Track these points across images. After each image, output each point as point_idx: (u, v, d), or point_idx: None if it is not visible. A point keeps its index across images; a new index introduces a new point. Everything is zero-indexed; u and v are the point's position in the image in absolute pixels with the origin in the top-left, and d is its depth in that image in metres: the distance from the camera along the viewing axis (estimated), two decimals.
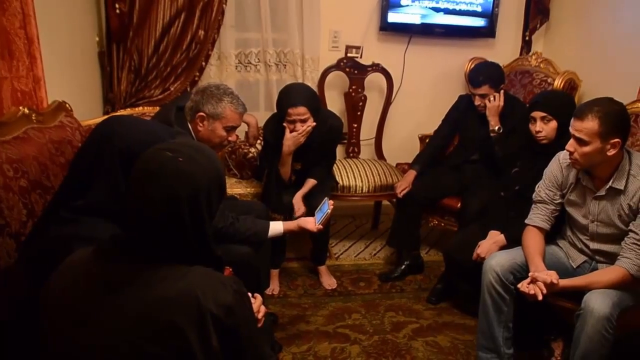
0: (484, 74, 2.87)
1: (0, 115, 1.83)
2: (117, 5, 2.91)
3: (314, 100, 2.70)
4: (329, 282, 3.00)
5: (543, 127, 2.34)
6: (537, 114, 2.34)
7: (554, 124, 2.31)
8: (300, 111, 2.61)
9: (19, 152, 1.67)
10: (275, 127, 2.74)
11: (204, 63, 3.24)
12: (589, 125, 1.88)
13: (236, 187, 3.04)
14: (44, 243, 1.45)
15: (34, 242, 1.49)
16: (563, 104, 2.34)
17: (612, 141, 1.89)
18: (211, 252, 1.18)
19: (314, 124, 2.64)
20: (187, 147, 1.15)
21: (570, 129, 1.95)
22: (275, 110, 2.78)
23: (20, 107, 1.85)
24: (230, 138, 2.20)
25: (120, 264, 1.09)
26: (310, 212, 2.89)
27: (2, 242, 1.44)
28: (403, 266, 3.11)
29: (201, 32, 3.13)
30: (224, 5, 3.16)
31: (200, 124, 2.15)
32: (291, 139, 2.64)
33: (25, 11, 1.91)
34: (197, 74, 3.25)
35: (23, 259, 1.47)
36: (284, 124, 2.65)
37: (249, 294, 1.73)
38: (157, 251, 1.09)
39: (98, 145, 1.45)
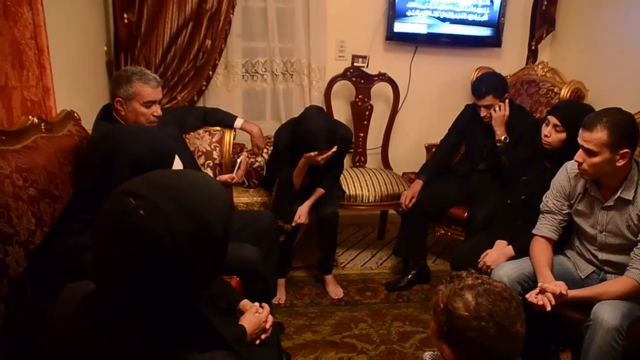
0: (487, 85, 2.87)
1: (10, 124, 1.84)
2: (125, 15, 2.93)
3: (334, 137, 2.68)
4: (335, 291, 2.99)
5: (552, 134, 2.34)
6: (552, 120, 2.33)
7: (563, 135, 2.31)
8: (326, 151, 2.63)
9: (28, 161, 1.68)
10: (287, 139, 2.75)
11: (211, 72, 3.26)
12: (597, 135, 1.88)
13: (243, 196, 3.04)
14: (52, 253, 1.46)
15: (42, 252, 1.49)
16: (580, 120, 2.07)
17: (622, 152, 1.88)
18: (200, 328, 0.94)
19: (335, 148, 2.65)
20: (156, 190, 0.89)
21: (579, 140, 1.94)
22: (283, 121, 2.79)
23: (30, 116, 1.86)
24: (154, 113, 2.21)
25: (98, 331, 0.91)
26: (314, 223, 2.90)
27: (11, 251, 1.44)
28: (410, 276, 3.10)
29: (208, 42, 3.15)
30: (231, 15, 3.18)
31: (121, 109, 2.18)
32: (310, 159, 2.64)
33: (36, 22, 1.93)
34: (204, 83, 3.27)
35: (32, 269, 1.47)
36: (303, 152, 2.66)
37: (257, 304, 1.74)
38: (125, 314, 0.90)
39: (105, 158, 1.45)
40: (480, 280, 1.26)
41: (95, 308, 0.93)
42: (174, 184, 0.91)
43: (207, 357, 0.90)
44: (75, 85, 2.57)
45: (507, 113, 2.83)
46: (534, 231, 2.21)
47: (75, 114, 2.24)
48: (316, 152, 2.59)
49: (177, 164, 2.33)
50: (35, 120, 1.87)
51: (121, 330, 0.89)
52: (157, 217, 0.84)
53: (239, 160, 2.60)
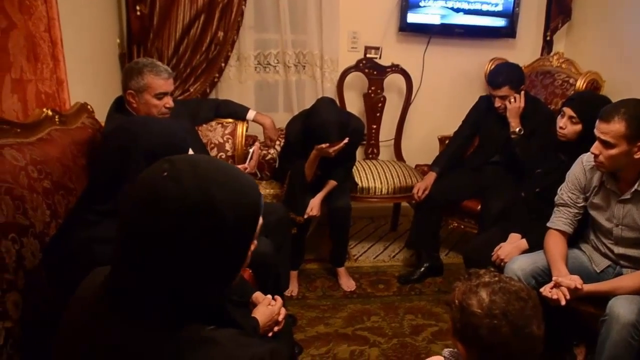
0: (503, 75, 2.83)
1: (25, 117, 1.85)
2: (137, 8, 2.94)
3: (346, 129, 2.67)
4: (347, 284, 2.99)
5: (567, 125, 2.31)
6: (568, 111, 2.30)
7: (578, 127, 2.28)
8: (338, 143, 2.62)
9: (42, 154, 1.69)
10: (299, 131, 2.75)
11: (223, 64, 3.26)
12: (615, 127, 1.85)
13: None
14: (66, 245, 1.47)
15: (56, 244, 1.50)
16: (596, 112, 2.02)
17: (639, 144, 1.85)
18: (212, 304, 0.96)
19: (347, 140, 2.65)
20: (190, 165, 0.93)
21: (596, 132, 1.91)
22: (296, 113, 2.79)
23: (44, 109, 1.87)
24: (166, 105, 2.22)
25: (120, 317, 0.92)
26: (326, 216, 2.90)
27: (27, 243, 1.45)
28: (422, 268, 3.09)
29: (220, 34, 3.14)
30: (244, 7, 3.17)
31: (133, 101, 2.19)
32: (322, 151, 2.64)
33: (50, 15, 1.94)
34: (217, 75, 3.27)
35: (46, 261, 1.48)
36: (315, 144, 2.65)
37: (269, 296, 1.75)
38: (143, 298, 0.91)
39: (121, 150, 1.45)
40: (497, 279, 1.24)
41: (109, 288, 0.95)
42: (205, 165, 0.95)
43: (227, 336, 0.92)
44: (89, 78, 2.58)
45: (522, 105, 2.80)
46: (548, 224, 2.19)
47: (89, 106, 2.25)
48: (327, 144, 2.59)
49: None
50: (50, 112, 1.88)
51: (141, 310, 0.91)
52: (175, 183, 0.88)
53: (251, 151, 2.60)
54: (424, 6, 3.46)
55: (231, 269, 0.98)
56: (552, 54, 3.48)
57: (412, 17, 3.47)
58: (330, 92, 3.43)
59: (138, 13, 2.95)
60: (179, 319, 0.91)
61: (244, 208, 0.94)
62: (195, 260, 0.89)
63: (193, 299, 0.92)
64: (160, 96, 2.19)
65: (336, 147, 2.61)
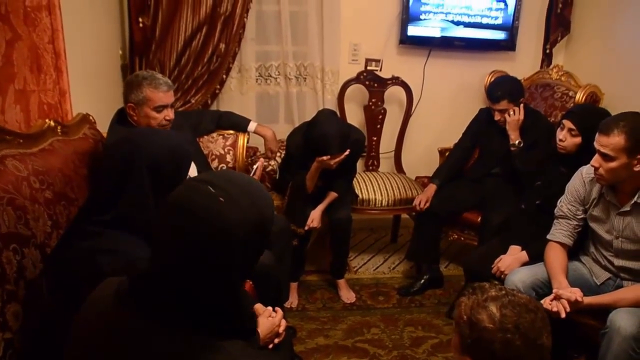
0: (502, 89, 2.85)
1: (28, 127, 1.86)
2: (140, 19, 2.96)
3: (347, 140, 2.68)
4: (347, 295, 2.99)
5: (567, 138, 2.32)
6: (567, 124, 2.32)
7: (578, 139, 2.29)
8: (339, 155, 2.63)
9: (44, 164, 1.70)
10: (300, 143, 2.76)
11: (224, 76, 3.27)
12: (615, 140, 1.85)
13: None
14: (68, 256, 1.47)
15: (58, 255, 1.50)
16: (596, 125, 2.04)
17: (639, 156, 1.86)
18: (234, 317, 1.01)
19: (347, 152, 2.66)
20: (233, 186, 0.98)
21: (595, 144, 1.92)
22: (297, 124, 2.79)
23: (47, 120, 1.88)
24: (166, 117, 2.22)
25: (138, 321, 0.96)
26: (327, 227, 2.90)
27: (28, 253, 1.45)
28: (422, 280, 3.08)
29: (222, 45, 3.16)
30: (245, 19, 3.19)
31: (133, 114, 2.20)
32: (323, 163, 2.65)
33: (54, 26, 1.95)
34: (218, 86, 3.28)
35: (47, 272, 1.48)
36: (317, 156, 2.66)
37: (270, 308, 1.74)
38: (171, 305, 0.95)
39: (125, 161, 1.46)
40: (504, 292, 1.24)
41: (136, 294, 0.98)
42: (241, 181, 1.01)
43: (236, 346, 0.96)
44: (91, 89, 2.60)
45: (521, 117, 2.81)
46: (548, 236, 2.19)
47: (91, 117, 2.26)
48: (329, 157, 2.59)
49: (192, 169, 2.34)
50: (52, 123, 1.89)
51: (161, 315, 0.94)
52: (234, 207, 0.93)
53: (255, 166, 2.59)
54: (425, 19, 3.48)
55: (247, 275, 1.05)
56: (551, 66, 3.50)
57: (413, 30, 3.49)
58: (331, 104, 3.44)
59: (140, 25, 2.97)
60: (201, 326, 0.94)
61: (273, 210, 1.05)
62: (237, 271, 0.96)
63: (221, 308, 0.97)
64: (159, 109, 2.20)
65: (337, 160, 2.62)
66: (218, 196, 0.93)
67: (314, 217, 2.79)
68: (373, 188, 3.22)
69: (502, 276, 2.23)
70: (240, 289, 1.00)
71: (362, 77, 3.44)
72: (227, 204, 0.93)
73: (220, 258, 0.93)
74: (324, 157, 2.59)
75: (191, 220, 0.93)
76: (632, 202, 1.96)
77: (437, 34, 3.52)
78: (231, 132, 2.97)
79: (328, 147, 2.59)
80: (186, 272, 0.94)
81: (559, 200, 2.21)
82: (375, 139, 3.58)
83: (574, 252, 2.21)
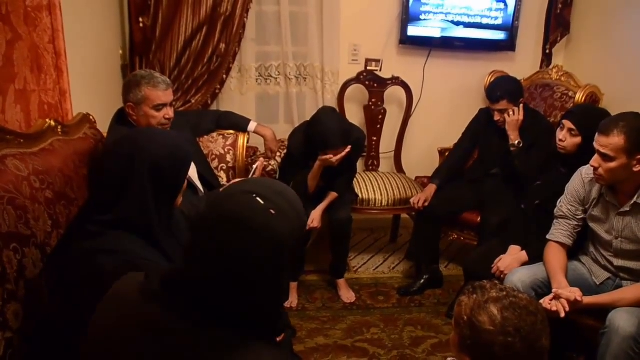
0: (501, 89, 2.85)
1: (28, 127, 1.87)
2: (140, 19, 2.96)
3: (348, 136, 2.69)
4: (347, 295, 2.99)
5: (567, 138, 2.32)
6: (567, 124, 2.32)
7: (578, 139, 2.29)
8: (338, 150, 2.63)
9: (45, 164, 1.70)
10: (301, 142, 2.76)
11: (224, 76, 3.28)
12: (614, 140, 1.86)
13: None
14: (68, 255, 1.47)
15: (58, 254, 1.50)
16: (596, 125, 2.04)
17: (639, 157, 1.86)
18: (272, 322, 1.02)
19: (349, 148, 2.66)
20: (277, 196, 0.99)
21: (595, 145, 1.92)
22: (297, 124, 2.79)
23: (47, 119, 1.89)
24: (165, 116, 2.23)
25: (175, 322, 0.95)
26: (327, 227, 2.90)
27: (28, 253, 1.46)
28: (422, 280, 3.08)
29: (222, 46, 3.16)
30: (245, 19, 3.19)
31: (133, 113, 2.20)
32: (325, 161, 2.65)
33: (55, 26, 1.95)
34: (218, 86, 3.29)
35: (48, 271, 1.49)
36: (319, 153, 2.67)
37: None
38: (208, 306, 0.95)
39: (126, 161, 1.46)
40: (505, 293, 1.22)
41: (172, 294, 0.98)
42: (283, 191, 1.03)
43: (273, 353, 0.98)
44: (91, 89, 2.60)
45: (521, 118, 2.81)
46: (548, 236, 2.20)
47: (91, 117, 2.27)
48: (330, 155, 2.59)
49: (192, 169, 2.35)
50: (52, 123, 1.89)
51: (203, 317, 0.95)
52: (284, 219, 0.96)
53: (255, 166, 2.59)
54: (425, 19, 3.49)
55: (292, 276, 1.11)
56: (551, 67, 3.51)
57: (413, 30, 3.49)
58: (331, 104, 3.42)
59: (141, 25, 2.97)
60: (241, 327, 0.96)
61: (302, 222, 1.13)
62: (286, 276, 1.03)
63: (267, 311, 1.00)
64: (158, 108, 2.20)
65: (339, 156, 2.62)
66: (269, 209, 0.94)
67: (314, 217, 2.79)
68: (373, 188, 3.22)
69: (502, 276, 2.23)
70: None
71: (362, 77, 3.44)
72: (278, 217, 0.95)
73: (275, 267, 0.95)
74: (327, 156, 2.60)
75: (244, 234, 0.93)
76: (632, 202, 1.96)
77: (437, 34, 3.53)
78: (231, 132, 2.97)
79: (330, 141, 2.59)
80: (236, 281, 0.94)
81: (558, 201, 2.21)
82: (375, 139, 3.58)
83: (573, 252, 2.21)
